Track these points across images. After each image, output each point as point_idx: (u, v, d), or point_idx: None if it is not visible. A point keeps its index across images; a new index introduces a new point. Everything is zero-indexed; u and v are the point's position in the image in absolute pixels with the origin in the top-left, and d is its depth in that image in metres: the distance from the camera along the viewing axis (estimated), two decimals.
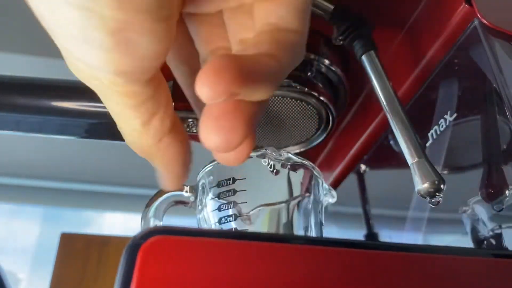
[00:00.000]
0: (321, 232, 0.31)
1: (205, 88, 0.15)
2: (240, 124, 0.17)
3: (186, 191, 0.32)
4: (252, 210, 0.29)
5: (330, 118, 0.39)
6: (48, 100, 0.36)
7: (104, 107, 0.37)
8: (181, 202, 0.32)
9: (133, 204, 1.88)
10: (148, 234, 0.17)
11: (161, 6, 0.16)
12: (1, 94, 0.36)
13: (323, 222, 0.32)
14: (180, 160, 0.21)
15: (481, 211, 0.30)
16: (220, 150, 0.18)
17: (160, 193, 0.32)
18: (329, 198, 0.32)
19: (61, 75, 0.39)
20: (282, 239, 0.20)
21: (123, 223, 1.93)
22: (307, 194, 0.31)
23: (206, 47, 0.22)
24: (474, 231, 0.31)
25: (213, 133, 0.17)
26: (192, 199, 0.32)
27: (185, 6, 0.21)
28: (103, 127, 0.37)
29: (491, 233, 0.30)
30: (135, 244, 0.17)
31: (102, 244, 1.52)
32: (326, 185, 0.32)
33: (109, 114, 0.38)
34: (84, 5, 0.15)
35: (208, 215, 0.30)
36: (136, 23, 0.16)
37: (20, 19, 1.23)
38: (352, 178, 0.49)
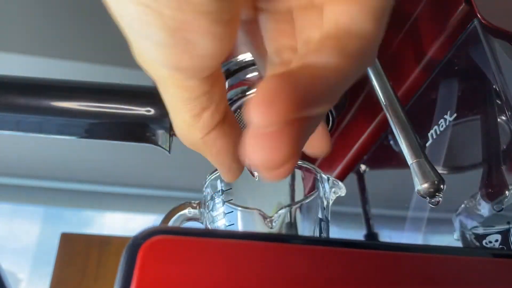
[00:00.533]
0: (328, 229, 0.31)
1: (256, 118, 0.15)
2: (286, 144, 0.16)
3: (195, 208, 0.32)
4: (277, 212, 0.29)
5: (330, 118, 0.38)
6: (48, 100, 0.36)
7: (104, 107, 0.37)
8: (193, 219, 0.32)
9: (133, 204, 1.88)
10: (149, 234, 0.17)
11: (221, 10, 0.16)
12: (1, 94, 0.36)
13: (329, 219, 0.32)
14: (229, 153, 0.21)
15: (480, 210, 0.30)
16: (264, 170, 0.17)
17: (171, 213, 0.32)
18: (337, 190, 0.32)
19: (61, 75, 0.39)
20: (283, 239, 0.20)
21: (123, 223, 1.93)
22: (314, 191, 0.31)
23: (272, 44, 0.21)
24: (472, 232, 0.31)
25: (257, 153, 0.16)
26: (202, 213, 0.32)
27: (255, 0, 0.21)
28: (103, 127, 0.37)
29: (489, 233, 0.30)
30: (135, 244, 0.17)
31: (103, 244, 1.52)
32: (331, 178, 0.32)
33: (108, 114, 0.38)
34: (143, 2, 0.15)
35: (220, 222, 0.30)
36: (195, 24, 0.16)
37: (20, 19, 1.23)
38: (352, 178, 0.49)
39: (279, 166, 0.16)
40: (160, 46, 0.16)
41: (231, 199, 0.30)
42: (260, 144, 0.16)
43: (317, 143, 0.23)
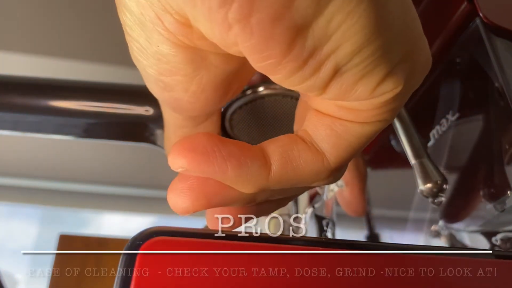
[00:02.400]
0: (334, 228, 0.31)
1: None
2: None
3: None
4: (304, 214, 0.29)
5: None
6: (46, 100, 0.36)
7: (102, 107, 0.36)
8: None
9: (131, 205, 1.88)
10: (147, 235, 0.17)
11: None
12: None
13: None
14: None
15: (482, 212, 0.30)
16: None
17: None
18: (333, 186, 0.32)
19: (59, 74, 0.39)
20: (283, 240, 0.19)
21: (121, 224, 1.93)
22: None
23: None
24: (479, 228, 0.31)
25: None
26: None
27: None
28: (101, 127, 0.37)
29: (500, 231, 0.29)
30: (134, 245, 0.17)
31: (101, 245, 1.52)
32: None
33: (106, 113, 0.37)
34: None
35: None
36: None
37: (16, 17, 1.23)
38: None
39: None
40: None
41: None
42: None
43: (351, 205, 0.26)
